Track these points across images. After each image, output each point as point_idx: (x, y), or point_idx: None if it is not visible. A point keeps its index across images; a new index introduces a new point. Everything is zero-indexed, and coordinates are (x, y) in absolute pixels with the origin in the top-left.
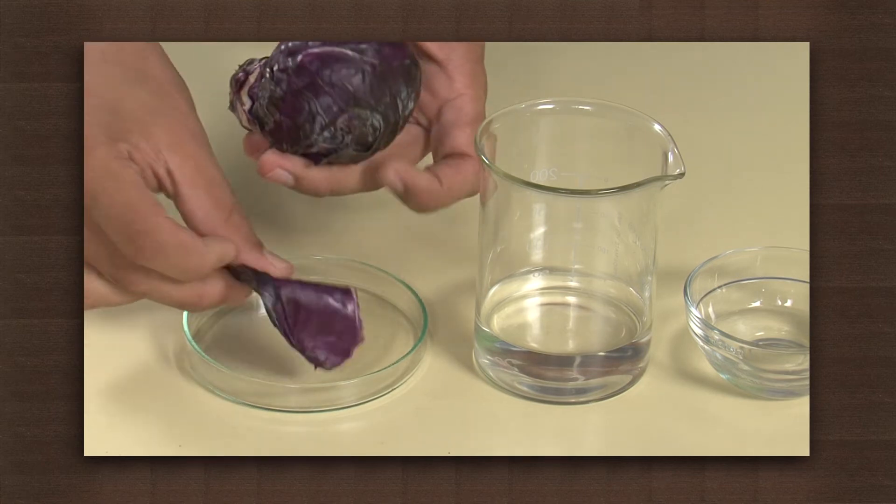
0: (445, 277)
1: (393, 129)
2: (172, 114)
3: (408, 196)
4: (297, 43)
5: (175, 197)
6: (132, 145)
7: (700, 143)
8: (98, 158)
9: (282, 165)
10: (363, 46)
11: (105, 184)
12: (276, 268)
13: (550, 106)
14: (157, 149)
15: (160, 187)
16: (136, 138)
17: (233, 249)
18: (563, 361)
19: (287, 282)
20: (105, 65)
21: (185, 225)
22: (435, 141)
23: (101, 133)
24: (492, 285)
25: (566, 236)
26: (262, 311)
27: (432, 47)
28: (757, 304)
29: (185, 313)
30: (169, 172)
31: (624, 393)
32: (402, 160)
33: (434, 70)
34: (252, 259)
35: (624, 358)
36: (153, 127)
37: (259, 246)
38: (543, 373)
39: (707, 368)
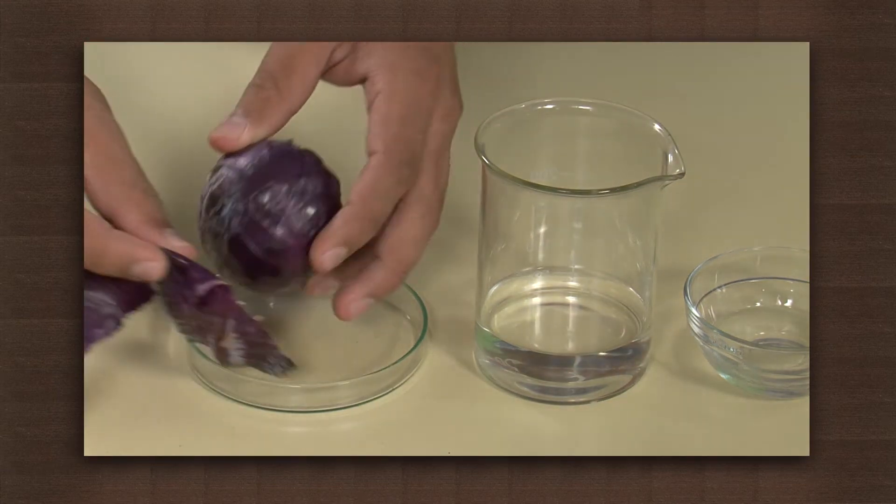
0: (445, 277)
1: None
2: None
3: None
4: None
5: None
6: None
7: (700, 143)
8: None
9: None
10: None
11: None
12: (174, 247)
13: (550, 106)
14: None
15: None
16: None
17: (140, 255)
18: (563, 361)
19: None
20: None
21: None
22: None
23: None
24: (492, 285)
25: (566, 236)
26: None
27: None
28: (757, 304)
29: None
30: None
31: (624, 393)
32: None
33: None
34: (151, 236)
35: (624, 358)
36: None
37: (162, 225)
38: (543, 373)
39: (707, 368)
